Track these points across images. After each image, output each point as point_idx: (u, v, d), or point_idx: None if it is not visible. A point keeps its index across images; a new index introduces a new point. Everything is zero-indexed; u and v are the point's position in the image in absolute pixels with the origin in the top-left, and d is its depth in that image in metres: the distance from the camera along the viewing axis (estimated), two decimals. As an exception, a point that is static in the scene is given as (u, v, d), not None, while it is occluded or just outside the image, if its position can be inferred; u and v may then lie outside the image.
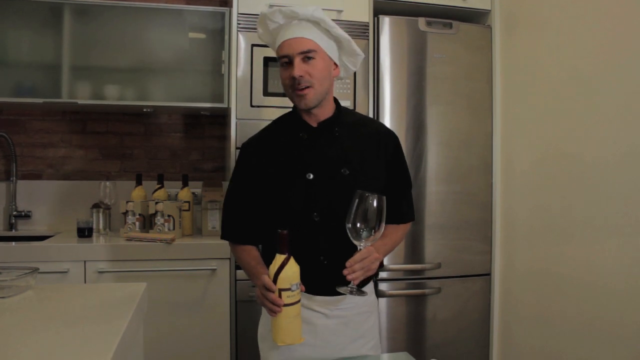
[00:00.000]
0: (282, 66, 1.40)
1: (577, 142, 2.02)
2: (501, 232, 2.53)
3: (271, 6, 2.31)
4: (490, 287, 2.55)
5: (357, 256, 1.25)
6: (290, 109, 1.53)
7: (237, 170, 1.51)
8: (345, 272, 1.23)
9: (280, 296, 1.19)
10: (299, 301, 1.21)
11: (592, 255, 1.93)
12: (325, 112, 1.45)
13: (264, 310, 1.50)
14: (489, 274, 2.55)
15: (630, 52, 1.79)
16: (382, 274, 2.41)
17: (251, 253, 1.46)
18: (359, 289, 1.28)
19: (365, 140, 1.49)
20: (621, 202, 1.81)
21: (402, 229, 1.56)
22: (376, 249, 1.32)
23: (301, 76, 1.34)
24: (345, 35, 1.44)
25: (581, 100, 2.01)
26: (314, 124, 1.45)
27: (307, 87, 1.36)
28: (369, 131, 1.52)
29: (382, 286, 2.40)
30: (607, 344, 1.85)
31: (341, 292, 1.27)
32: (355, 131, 1.49)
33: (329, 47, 1.41)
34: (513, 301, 2.44)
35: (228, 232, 1.51)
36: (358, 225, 1.22)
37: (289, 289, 1.18)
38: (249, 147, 1.51)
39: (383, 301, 2.40)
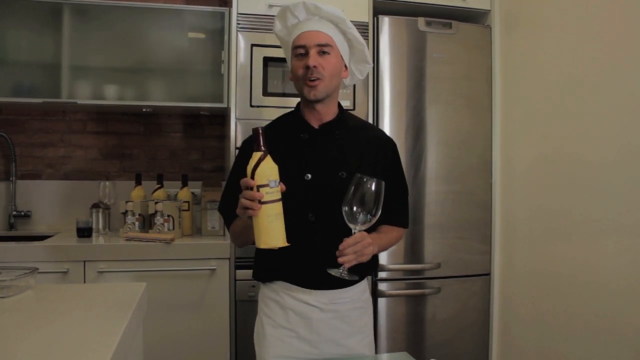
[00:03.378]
0: (296, 57, 1.41)
1: (576, 142, 2.03)
2: (501, 232, 2.53)
3: (271, 6, 2.33)
4: (489, 287, 2.55)
5: (350, 240, 1.24)
6: (291, 109, 1.53)
7: (237, 164, 1.51)
8: (337, 253, 1.23)
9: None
10: (279, 200, 1.17)
11: (592, 255, 1.93)
12: (329, 112, 1.46)
13: (259, 311, 1.50)
14: (488, 274, 2.55)
15: (629, 52, 1.79)
16: (382, 274, 2.41)
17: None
18: (349, 273, 1.27)
19: (365, 145, 1.50)
20: (621, 201, 1.81)
21: (397, 232, 1.56)
22: (372, 239, 1.31)
23: (315, 67, 1.36)
24: (361, 40, 1.46)
25: (580, 100, 2.01)
26: (316, 125, 1.46)
27: (318, 79, 1.38)
28: (369, 136, 1.53)
29: (382, 286, 2.40)
30: (606, 343, 1.85)
31: (331, 273, 1.26)
32: (356, 135, 1.50)
33: (343, 48, 1.44)
34: (512, 301, 2.44)
35: (228, 223, 1.51)
36: (355, 208, 1.22)
37: (266, 185, 1.15)
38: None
39: (382, 301, 2.40)
